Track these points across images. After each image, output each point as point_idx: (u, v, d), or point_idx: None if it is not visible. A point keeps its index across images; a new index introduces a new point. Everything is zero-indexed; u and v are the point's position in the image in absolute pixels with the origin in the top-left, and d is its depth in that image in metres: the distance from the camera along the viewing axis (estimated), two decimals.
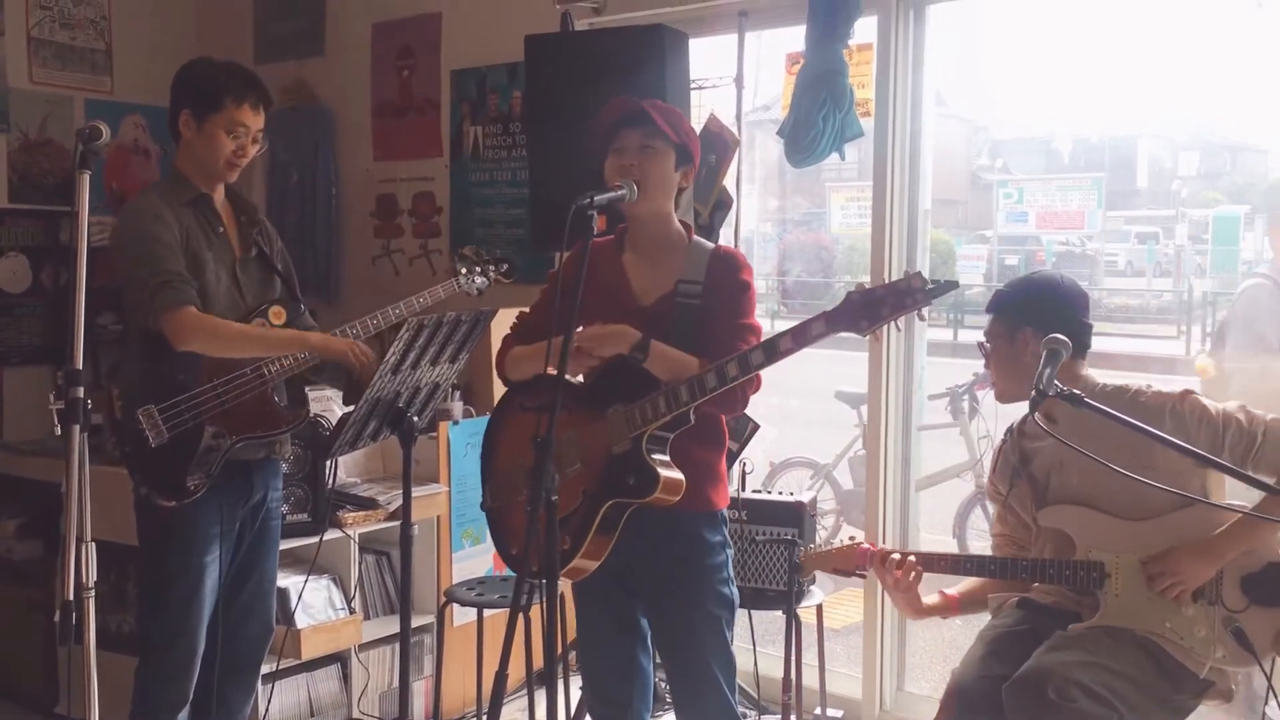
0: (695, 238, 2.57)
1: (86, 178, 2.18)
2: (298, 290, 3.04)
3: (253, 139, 2.84)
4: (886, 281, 2.20)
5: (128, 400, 2.76)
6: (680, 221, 2.58)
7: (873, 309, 2.14)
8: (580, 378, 2.47)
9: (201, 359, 2.74)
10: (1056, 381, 2.20)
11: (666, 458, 2.38)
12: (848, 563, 2.86)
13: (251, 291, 2.90)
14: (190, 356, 2.73)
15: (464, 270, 3.09)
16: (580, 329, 2.40)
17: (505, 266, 3.19)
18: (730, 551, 2.56)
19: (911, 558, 2.77)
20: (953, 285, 2.17)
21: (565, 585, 2.53)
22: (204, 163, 2.82)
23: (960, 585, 2.92)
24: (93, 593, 2.11)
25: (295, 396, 2.98)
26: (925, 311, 2.17)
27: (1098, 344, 2.76)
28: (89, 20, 4.95)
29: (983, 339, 2.81)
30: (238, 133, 2.80)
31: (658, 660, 2.69)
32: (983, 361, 2.81)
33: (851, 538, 2.95)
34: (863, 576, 2.92)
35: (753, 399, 2.46)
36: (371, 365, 2.77)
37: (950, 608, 2.90)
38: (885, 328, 2.16)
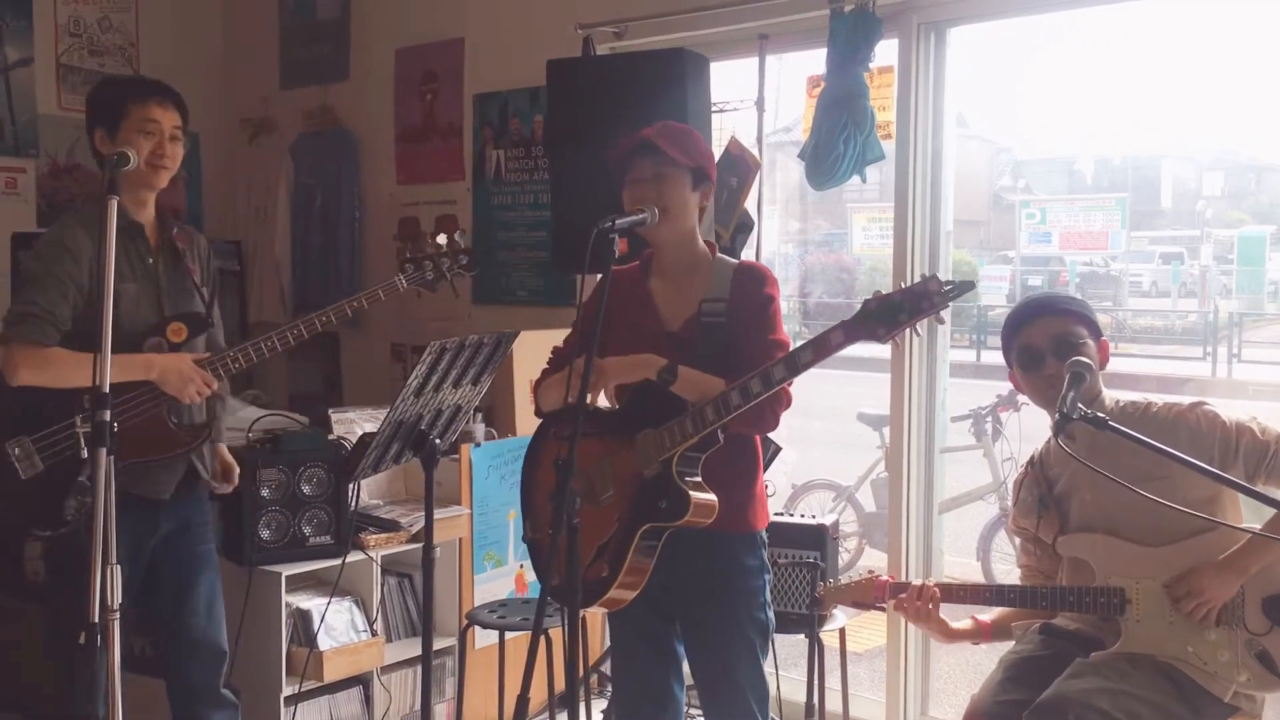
0: (719, 255, 2.57)
1: (114, 202, 2.20)
2: (214, 307, 2.91)
3: (170, 136, 2.78)
4: (903, 287, 2.16)
5: None
6: (704, 241, 2.58)
7: (890, 315, 2.10)
8: (605, 402, 2.47)
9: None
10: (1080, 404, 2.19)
11: (698, 479, 2.36)
12: (866, 596, 2.87)
13: (175, 312, 2.81)
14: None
15: (411, 269, 2.88)
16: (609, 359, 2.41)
17: (465, 259, 2.92)
18: (769, 577, 2.53)
19: (927, 584, 2.76)
20: (969, 286, 2.12)
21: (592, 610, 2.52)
22: (128, 176, 2.63)
23: (993, 612, 2.91)
24: (117, 615, 2.12)
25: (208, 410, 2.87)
26: (945, 315, 2.12)
27: (1123, 365, 2.74)
28: (117, 47, 5.02)
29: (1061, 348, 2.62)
30: (150, 129, 2.74)
31: (689, 683, 2.67)
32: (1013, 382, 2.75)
33: (870, 570, 2.94)
34: (882, 609, 2.93)
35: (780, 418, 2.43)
36: (213, 393, 2.65)
37: (982, 633, 2.89)
38: (905, 334, 2.13)
